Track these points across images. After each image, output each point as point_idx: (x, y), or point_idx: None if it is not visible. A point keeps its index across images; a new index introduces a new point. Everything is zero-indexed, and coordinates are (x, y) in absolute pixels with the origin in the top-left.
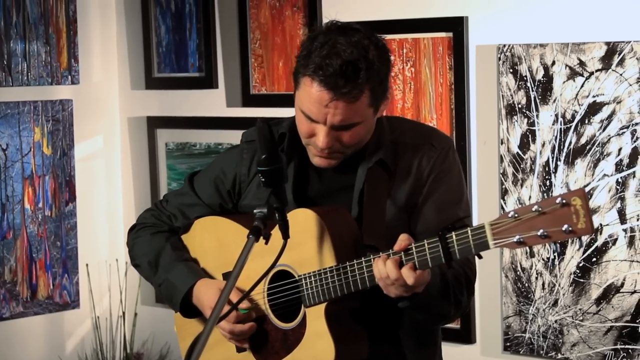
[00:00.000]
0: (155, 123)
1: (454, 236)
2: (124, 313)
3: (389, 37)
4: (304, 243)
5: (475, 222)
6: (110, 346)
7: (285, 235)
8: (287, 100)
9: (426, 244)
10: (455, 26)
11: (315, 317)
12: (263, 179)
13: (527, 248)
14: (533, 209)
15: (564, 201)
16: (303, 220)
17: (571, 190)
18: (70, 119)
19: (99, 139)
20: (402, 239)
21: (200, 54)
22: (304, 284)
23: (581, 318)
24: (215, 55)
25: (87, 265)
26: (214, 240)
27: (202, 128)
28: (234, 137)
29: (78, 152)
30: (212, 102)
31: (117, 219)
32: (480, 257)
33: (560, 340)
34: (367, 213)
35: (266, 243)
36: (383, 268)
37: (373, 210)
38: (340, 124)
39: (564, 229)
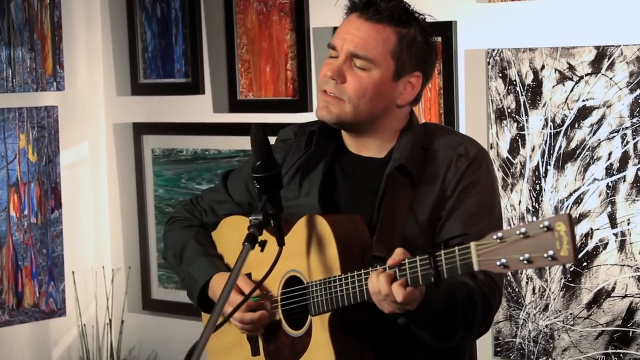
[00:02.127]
0: (141, 129)
1: (442, 255)
2: (110, 320)
3: None
4: (313, 250)
5: None
6: (97, 354)
7: (280, 242)
8: (274, 106)
9: (418, 261)
10: (444, 31)
11: (320, 327)
12: (258, 186)
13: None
14: (517, 232)
15: (548, 225)
16: (314, 227)
17: (558, 213)
18: (55, 126)
19: (85, 146)
20: (397, 254)
21: (187, 60)
22: (310, 292)
23: (572, 323)
24: (201, 61)
25: (73, 272)
26: (238, 239)
27: (189, 134)
28: (221, 143)
29: (64, 159)
30: (199, 107)
31: (103, 225)
32: (475, 276)
33: (551, 345)
34: (382, 222)
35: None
36: (376, 282)
37: (389, 219)
38: (353, 49)
39: (546, 255)
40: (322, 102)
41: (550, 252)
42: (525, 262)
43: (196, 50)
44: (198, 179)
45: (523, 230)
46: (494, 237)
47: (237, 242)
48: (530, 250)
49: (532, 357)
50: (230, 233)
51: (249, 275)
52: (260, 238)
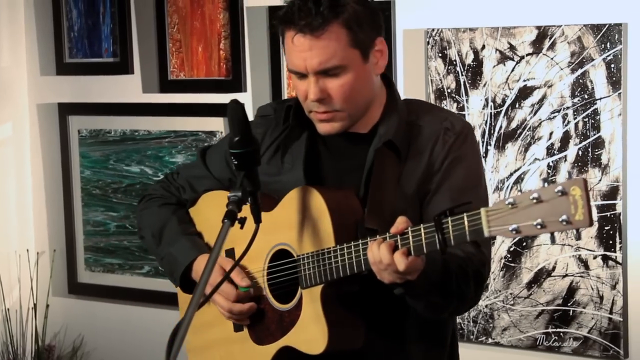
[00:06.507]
0: (67, 110)
1: (449, 222)
2: (35, 305)
3: None
4: (304, 222)
5: None
6: (20, 339)
7: (257, 219)
8: (206, 86)
9: (422, 229)
10: (382, 10)
11: (311, 300)
12: (235, 162)
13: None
14: (530, 197)
15: (563, 190)
16: (305, 199)
17: (571, 178)
18: None
19: (8, 127)
20: (400, 222)
21: (115, 39)
22: (301, 265)
23: (512, 302)
24: (130, 40)
25: None
26: (219, 215)
27: (117, 114)
28: (150, 123)
29: None
30: (128, 87)
31: (26, 208)
32: (478, 245)
33: (491, 325)
34: (372, 196)
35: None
36: (377, 252)
37: (378, 193)
38: (319, 67)
39: (561, 219)
40: (320, 119)
41: (565, 217)
42: (538, 227)
43: (125, 29)
44: (127, 160)
45: (536, 195)
46: (506, 202)
47: (217, 219)
48: (543, 215)
49: (472, 337)
50: (210, 209)
51: (231, 251)
52: (240, 215)
